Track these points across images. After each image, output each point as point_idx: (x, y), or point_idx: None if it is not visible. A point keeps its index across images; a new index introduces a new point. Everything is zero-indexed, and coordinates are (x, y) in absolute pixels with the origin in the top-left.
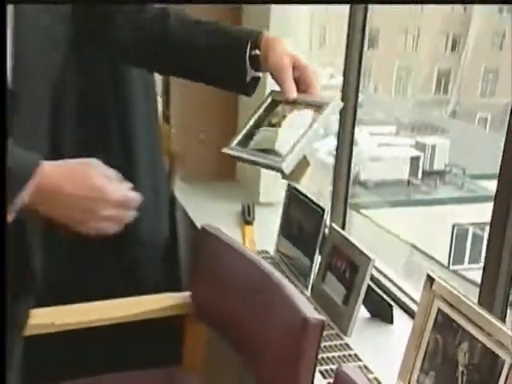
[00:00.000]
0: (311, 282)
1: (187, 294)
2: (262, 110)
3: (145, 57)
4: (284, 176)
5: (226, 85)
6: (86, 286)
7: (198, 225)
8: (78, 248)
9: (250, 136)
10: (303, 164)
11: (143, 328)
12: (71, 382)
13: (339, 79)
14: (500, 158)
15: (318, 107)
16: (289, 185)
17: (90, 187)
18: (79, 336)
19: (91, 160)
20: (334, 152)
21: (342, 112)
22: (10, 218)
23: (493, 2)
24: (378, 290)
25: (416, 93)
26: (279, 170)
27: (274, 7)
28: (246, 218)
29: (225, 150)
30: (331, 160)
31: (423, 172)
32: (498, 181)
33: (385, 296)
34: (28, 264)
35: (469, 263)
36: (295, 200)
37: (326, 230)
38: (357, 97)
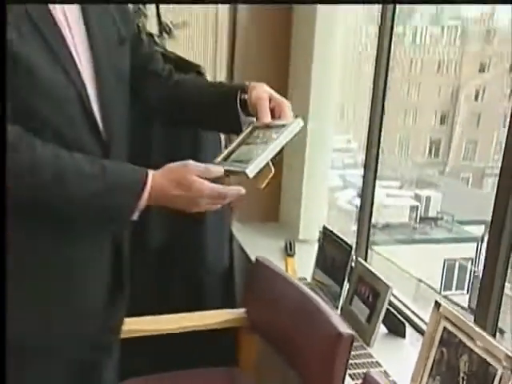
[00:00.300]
0: (341, 304)
1: (242, 310)
2: (243, 135)
3: (167, 112)
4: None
5: (224, 127)
6: (164, 300)
7: (251, 256)
8: (160, 271)
9: (231, 153)
10: (266, 170)
11: (208, 335)
12: (152, 375)
13: (354, 144)
14: (480, 209)
15: (283, 126)
16: (324, 226)
17: (191, 189)
18: (158, 340)
19: (188, 163)
20: (352, 201)
21: (366, 169)
22: (135, 217)
23: (493, 2)
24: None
25: (414, 156)
26: (244, 174)
27: (321, 7)
28: (288, 251)
29: (211, 163)
30: (349, 207)
31: (420, 217)
32: (490, 226)
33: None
34: (122, 274)
35: (456, 289)
36: (328, 238)
37: (353, 263)
38: (377, 159)
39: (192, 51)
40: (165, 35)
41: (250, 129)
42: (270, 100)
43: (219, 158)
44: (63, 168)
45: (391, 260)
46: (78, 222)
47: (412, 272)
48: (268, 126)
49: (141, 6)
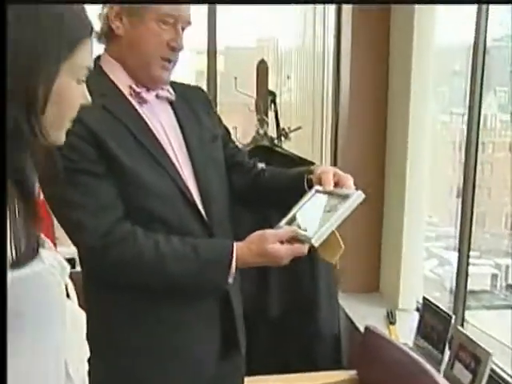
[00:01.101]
0: (443, 369)
1: (354, 371)
2: (305, 199)
3: (248, 196)
4: (319, 254)
5: (291, 204)
6: (281, 362)
7: (357, 324)
8: (278, 336)
9: (294, 217)
10: (337, 246)
11: None
12: None
13: (435, 219)
14: None
15: (346, 197)
16: (424, 297)
17: (270, 256)
18: None
19: (265, 232)
20: (434, 269)
21: (460, 242)
22: (230, 280)
23: (493, 1)
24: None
25: (491, 228)
26: (310, 243)
27: (419, 9)
28: (390, 319)
29: (275, 227)
30: (431, 275)
31: (501, 285)
32: None
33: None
34: (236, 332)
35: None
36: (427, 308)
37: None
38: (470, 233)
39: (303, 149)
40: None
41: (312, 193)
42: (333, 175)
43: (283, 222)
44: (162, 253)
45: (479, 328)
46: (178, 292)
47: (492, 333)
48: (330, 194)
49: (264, 116)
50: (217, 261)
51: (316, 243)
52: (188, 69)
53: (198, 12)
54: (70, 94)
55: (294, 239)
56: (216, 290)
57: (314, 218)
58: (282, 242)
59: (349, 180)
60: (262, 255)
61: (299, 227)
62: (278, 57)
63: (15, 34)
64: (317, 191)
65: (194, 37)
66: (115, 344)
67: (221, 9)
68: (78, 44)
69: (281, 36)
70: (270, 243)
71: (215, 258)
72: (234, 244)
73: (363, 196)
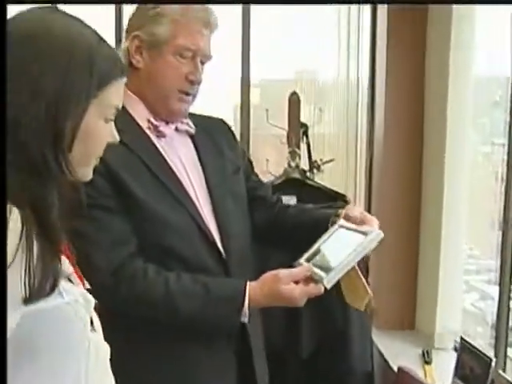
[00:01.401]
0: None
1: None
2: (328, 234)
3: (268, 232)
4: (347, 302)
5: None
6: None
7: (390, 363)
8: (308, 375)
9: (315, 253)
10: (363, 293)
11: None
12: None
13: (476, 251)
14: None
15: (365, 235)
16: (461, 337)
17: (284, 299)
18: None
19: (279, 272)
20: (475, 303)
21: (501, 279)
22: (245, 320)
23: (493, 1)
24: None
25: None
26: (323, 284)
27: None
28: (426, 359)
29: (294, 264)
30: (472, 309)
31: None
32: None
33: None
34: (253, 374)
35: None
36: (466, 349)
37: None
38: None
39: (337, 182)
40: (314, 170)
41: (335, 228)
42: (359, 214)
43: (304, 258)
44: (171, 291)
45: None
46: (189, 331)
47: None
48: (352, 230)
49: (295, 148)
50: (228, 300)
51: (328, 285)
52: (226, 102)
53: (234, 45)
54: (97, 133)
55: (310, 278)
56: (229, 329)
57: (335, 254)
58: (296, 282)
59: (374, 222)
60: (275, 296)
61: (319, 264)
62: (314, 89)
63: (46, 69)
64: (340, 226)
65: (231, 70)
66: (127, 381)
67: (255, 40)
68: (108, 84)
69: (317, 68)
70: (284, 284)
71: (226, 298)
72: (248, 284)
73: (382, 235)
